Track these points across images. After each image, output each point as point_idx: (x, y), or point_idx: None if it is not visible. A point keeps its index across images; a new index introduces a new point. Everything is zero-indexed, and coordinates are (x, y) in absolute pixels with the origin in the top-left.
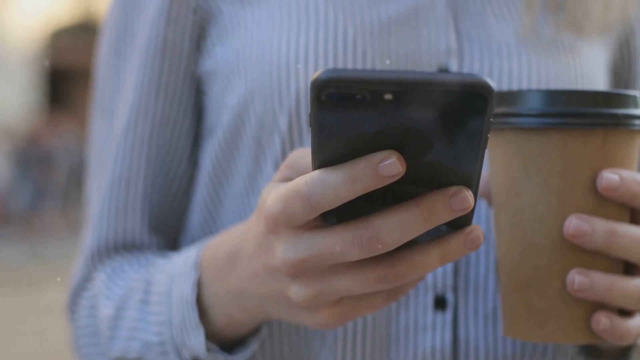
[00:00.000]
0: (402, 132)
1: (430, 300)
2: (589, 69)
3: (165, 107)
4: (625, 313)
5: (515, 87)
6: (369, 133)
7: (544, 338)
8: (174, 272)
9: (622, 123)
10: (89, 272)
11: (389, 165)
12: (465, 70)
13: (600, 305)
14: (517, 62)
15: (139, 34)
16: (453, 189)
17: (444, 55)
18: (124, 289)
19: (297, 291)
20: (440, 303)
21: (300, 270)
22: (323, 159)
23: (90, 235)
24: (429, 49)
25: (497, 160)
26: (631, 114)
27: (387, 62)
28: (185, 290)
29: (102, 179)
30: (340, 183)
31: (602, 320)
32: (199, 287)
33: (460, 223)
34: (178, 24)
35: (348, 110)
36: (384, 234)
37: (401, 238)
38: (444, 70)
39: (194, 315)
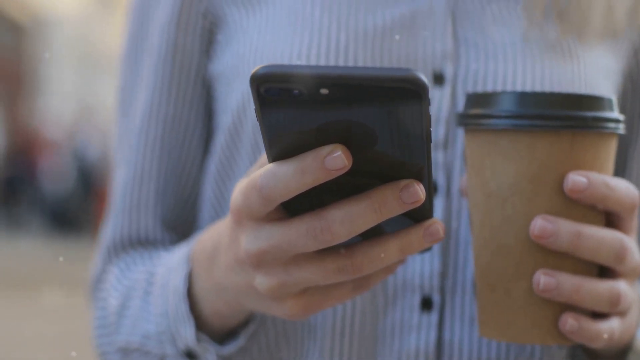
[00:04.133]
0: (346, 126)
1: (417, 300)
2: (589, 75)
3: (177, 110)
4: (601, 315)
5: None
6: (314, 127)
7: (513, 338)
8: (171, 265)
9: (590, 125)
10: (105, 266)
11: (335, 159)
12: (461, 74)
13: (570, 307)
14: (513, 66)
15: (152, 38)
16: (404, 182)
17: (440, 59)
18: (131, 281)
19: (260, 281)
20: (426, 304)
21: (262, 261)
22: (276, 153)
23: (107, 230)
24: (424, 53)
25: (470, 161)
26: (601, 116)
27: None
28: (177, 283)
29: (120, 176)
30: (290, 175)
31: (569, 322)
32: (191, 279)
33: (422, 216)
34: (188, 29)
35: (289, 105)
36: (336, 226)
37: (352, 229)
38: (439, 74)
39: (184, 307)
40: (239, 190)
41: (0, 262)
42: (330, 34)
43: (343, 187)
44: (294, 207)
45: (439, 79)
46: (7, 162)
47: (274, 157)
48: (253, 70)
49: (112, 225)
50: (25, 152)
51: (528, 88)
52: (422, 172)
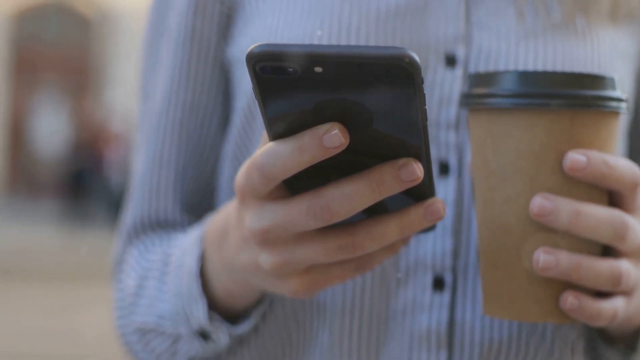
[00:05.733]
0: (343, 105)
1: (429, 280)
2: (602, 56)
3: (195, 94)
4: (605, 295)
5: None
6: (311, 106)
7: (515, 316)
8: (185, 247)
9: (591, 104)
10: (125, 248)
11: (332, 137)
12: (473, 56)
13: (573, 286)
14: (525, 47)
15: (171, 23)
16: (402, 160)
17: (452, 42)
18: (149, 262)
19: (265, 259)
20: (438, 283)
21: (266, 240)
22: (276, 132)
23: (128, 213)
24: (436, 36)
25: (473, 141)
26: (601, 95)
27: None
28: (190, 263)
29: (140, 159)
30: (289, 154)
31: (569, 300)
32: (203, 260)
33: (424, 195)
34: (206, 14)
35: (286, 84)
36: (335, 204)
37: (351, 208)
38: (451, 56)
39: (197, 287)
40: (242, 169)
41: (69, 254)
42: (342, 16)
43: (345, 166)
44: (298, 187)
45: (450, 61)
46: (74, 156)
47: (274, 136)
48: (248, 49)
49: (132, 209)
50: (92, 145)
51: (540, 69)
52: (420, 151)
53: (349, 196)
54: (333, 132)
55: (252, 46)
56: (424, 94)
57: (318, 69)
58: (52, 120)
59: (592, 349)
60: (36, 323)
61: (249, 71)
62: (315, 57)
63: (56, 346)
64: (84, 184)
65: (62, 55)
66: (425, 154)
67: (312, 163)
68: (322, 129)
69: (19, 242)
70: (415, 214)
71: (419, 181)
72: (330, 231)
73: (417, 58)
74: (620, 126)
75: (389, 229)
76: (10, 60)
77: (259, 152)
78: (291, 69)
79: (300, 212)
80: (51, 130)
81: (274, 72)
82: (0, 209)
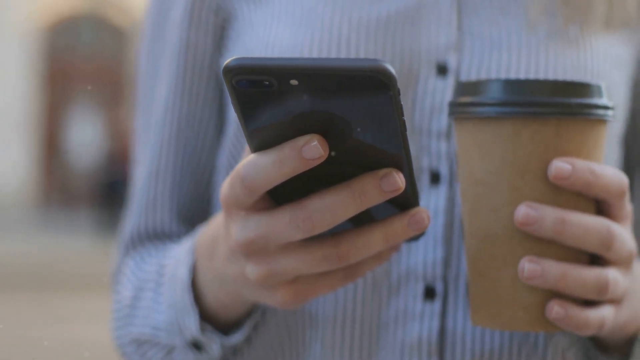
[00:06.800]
0: (321, 117)
1: (420, 289)
2: (597, 64)
3: (191, 106)
4: (592, 303)
5: None
6: (290, 118)
7: (503, 326)
8: (179, 257)
9: (576, 112)
10: (122, 259)
11: (312, 148)
12: (464, 66)
13: (560, 295)
14: (517, 56)
15: (167, 35)
16: (383, 171)
17: (443, 51)
18: (145, 273)
19: (251, 270)
20: (429, 293)
21: (251, 251)
22: (257, 144)
23: (126, 225)
24: (428, 45)
25: (460, 150)
26: (587, 103)
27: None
28: (182, 274)
29: (139, 172)
30: (270, 165)
31: (555, 309)
32: (195, 271)
33: (408, 204)
34: (200, 26)
35: (263, 97)
36: (317, 215)
37: (334, 219)
38: (443, 65)
39: (189, 298)
40: (226, 181)
41: (104, 264)
42: (332, 26)
43: (330, 177)
44: (283, 198)
45: (442, 70)
46: (108, 166)
47: (255, 148)
48: (225, 63)
49: (130, 220)
50: (126, 155)
51: (531, 78)
52: (401, 161)
53: (331, 207)
54: (312, 144)
55: (228, 60)
56: (401, 105)
57: (294, 82)
58: (87, 131)
59: (587, 358)
60: (74, 334)
61: (226, 85)
62: (289, 70)
63: (103, 357)
64: (118, 194)
65: (96, 67)
66: (407, 164)
67: (293, 174)
68: (301, 140)
69: (55, 252)
70: (400, 224)
71: (401, 191)
72: (315, 242)
73: (391, 69)
74: (607, 134)
75: (373, 238)
76: (45, 72)
77: (241, 164)
78: (267, 82)
79: (283, 223)
80: (85, 140)
81: (251, 85)
82: (35, 219)
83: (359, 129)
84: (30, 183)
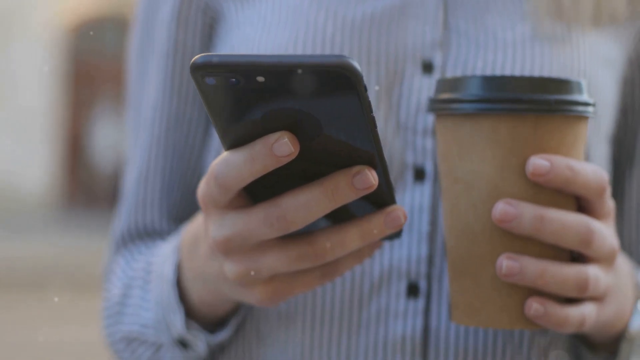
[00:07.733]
0: (291, 114)
1: (403, 287)
2: (584, 62)
3: (180, 106)
4: (573, 301)
5: None
6: (260, 116)
7: (482, 323)
8: (165, 255)
9: (554, 109)
10: (113, 257)
11: (282, 145)
12: (450, 64)
13: (539, 292)
14: (503, 54)
15: (156, 36)
16: (356, 168)
17: (429, 48)
18: (133, 271)
19: (228, 268)
20: (413, 290)
21: (228, 249)
22: (230, 142)
23: (117, 224)
24: (413, 42)
25: (440, 147)
26: (566, 99)
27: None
28: (168, 272)
29: (129, 172)
30: (242, 163)
31: (534, 306)
32: (180, 268)
33: (384, 202)
34: (189, 26)
35: (232, 94)
36: (291, 213)
37: (308, 216)
38: (428, 63)
39: (174, 295)
40: (203, 180)
41: None
42: (317, 24)
43: (306, 174)
44: (261, 196)
45: (427, 67)
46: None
47: (228, 146)
48: (192, 60)
49: (121, 219)
50: None
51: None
52: (374, 159)
53: (304, 205)
54: (282, 141)
55: (195, 57)
56: (369, 101)
57: (260, 79)
58: (111, 132)
59: (576, 356)
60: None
61: (195, 83)
62: (254, 67)
63: None
64: None
65: (120, 68)
66: (379, 161)
67: (265, 172)
68: (272, 137)
69: (80, 253)
70: (376, 222)
71: (374, 189)
72: (291, 240)
73: (356, 65)
74: (595, 132)
75: (349, 236)
76: (69, 74)
77: (215, 162)
78: (234, 80)
79: (257, 221)
80: (110, 142)
81: (218, 82)
82: (59, 220)
83: (329, 126)
84: (55, 184)
